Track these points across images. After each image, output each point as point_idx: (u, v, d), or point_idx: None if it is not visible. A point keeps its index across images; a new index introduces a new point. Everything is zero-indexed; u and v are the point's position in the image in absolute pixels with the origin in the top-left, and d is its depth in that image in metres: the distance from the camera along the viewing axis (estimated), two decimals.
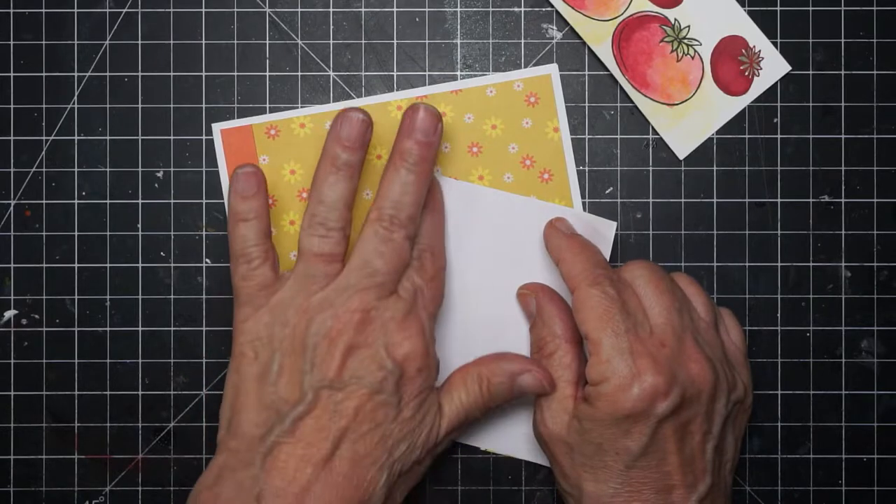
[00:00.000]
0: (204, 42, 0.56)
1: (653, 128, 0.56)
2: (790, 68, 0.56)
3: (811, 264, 0.56)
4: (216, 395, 0.56)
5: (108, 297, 0.56)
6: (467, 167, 0.56)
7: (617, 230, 0.55)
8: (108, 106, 0.56)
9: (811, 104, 0.56)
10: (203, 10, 0.56)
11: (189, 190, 0.56)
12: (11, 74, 0.56)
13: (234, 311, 0.51)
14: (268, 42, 0.56)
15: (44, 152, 0.56)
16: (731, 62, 0.56)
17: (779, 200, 0.56)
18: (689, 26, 0.56)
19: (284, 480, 0.47)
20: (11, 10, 0.56)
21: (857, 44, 0.56)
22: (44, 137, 0.56)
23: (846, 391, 0.56)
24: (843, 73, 0.56)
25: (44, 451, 0.56)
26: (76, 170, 0.56)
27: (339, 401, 0.48)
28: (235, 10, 0.56)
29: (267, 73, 0.56)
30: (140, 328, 0.56)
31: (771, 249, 0.56)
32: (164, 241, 0.56)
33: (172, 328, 0.56)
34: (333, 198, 0.50)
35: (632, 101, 0.56)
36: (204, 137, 0.56)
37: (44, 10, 0.56)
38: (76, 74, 0.56)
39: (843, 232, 0.56)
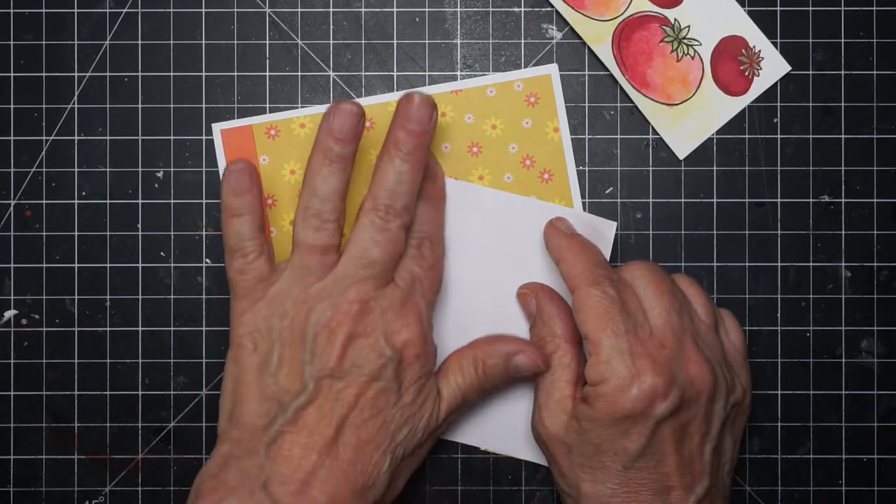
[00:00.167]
0: (204, 42, 0.56)
1: (653, 128, 0.56)
2: (790, 68, 0.56)
3: (811, 264, 0.56)
4: (216, 395, 0.56)
5: (108, 297, 0.56)
6: (467, 167, 0.56)
7: (617, 230, 0.55)
8: (108, 106, 0.56)
9: (811, 104, 0.56)
10: (203, 10, 0.56)
11: (189, 190, 0.56)
12: (11, 74, 0.56)
13: (230, 304, 0.51)
14: (268, 42, 0.56)
15: (44, 152, 0.56)
16: (731, 62, 0.56)
17: (779, 200, 0.56)
18: (689, 26, 0.56)
19: (290, 468, 0.48)
20: (11, 10, 0.56)
21: (857, 44, 0.56)
22: (44, 137, 0.56)
23: (846, 391, 0.56)
24: (843, 73, 0.56)
25: (44, 451, 0.56)
26: (76, 170, 0.56)
27: (340, 389, 0.48)
28: (235, 10, 0.56)
29: (267, 73, 0.56)
30: (140, 328, 0.56)
31: (771, 249, 0.56)
32: (164, 241, 0.56)
33: (172, 328, 0.56)
34: (327, 190, 0.50)
35: (632, 101, 0.56)
36: (204, 137, 0.56)
37: (44, 10, 0.56)
38: (76, 74, 0.56)
39: (843, 232, 0.56)
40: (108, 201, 0.56)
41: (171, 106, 0.56)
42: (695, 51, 0.56)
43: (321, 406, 0.48)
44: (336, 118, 0.50)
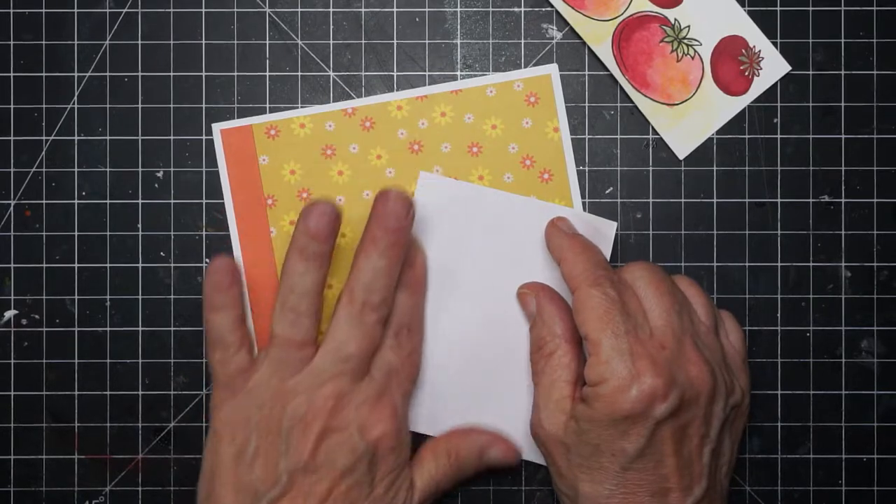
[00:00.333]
0: (204, 42, 0.56)
1: (653, 128, 0.56)
2: (790, 68, 0.56)
3: (811, 264, 0.56)
4: None
5: (108, 297, 0.56)
6: (467, 167, 0.56)
7: (617, 230, 0.55)
8: (108, 106, 0.56)
9: (811, 104, 0.56)
10: (203, 10, 0.56)
11: (189, 190, 0.56)
12: (11, 74, 0.56)
13: (211, 393, 0.52)
14: (268, 42, 0.56)
15: (44, 152, 0.56)
16: (731, 62, 0.56)
17: (779, 200, 0.56)
18: (689, 26, 0.56)
19: None
20: (11, 10, 0.56)
21: (857, 44, 0.56)
22: (44, 137, 0.56)
23: (846, 391, 0.56)
24: (843, 73, 0.56)
25: (44, 451, 0.56)
26: (76, 170, 0.56)
27: (313, 483, 0.49)
28: (235, 10, 0.56)
29: (267, 73, 0.56)
30: (140, 328, 0.56)
31: (771, 249, 0.56)
32: (164, 241, 0.56)
33: (172, 328, 0.56)
34: (304, 287, 0.50)
35: (632, 101, 0.56)
36: (204, 137, 0.56)
37: (44, 10, 0.56)
38: (76, 74, 0.56)
39: (843, 232, 0.56)
40: (108, 201, 0.56)
41: (171, 106, 0.56)
42: (695, 51, 0.56)
43: (294, 499, 0.49)
44: (312, 218, 0.50)
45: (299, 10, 0.56)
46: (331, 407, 0.50)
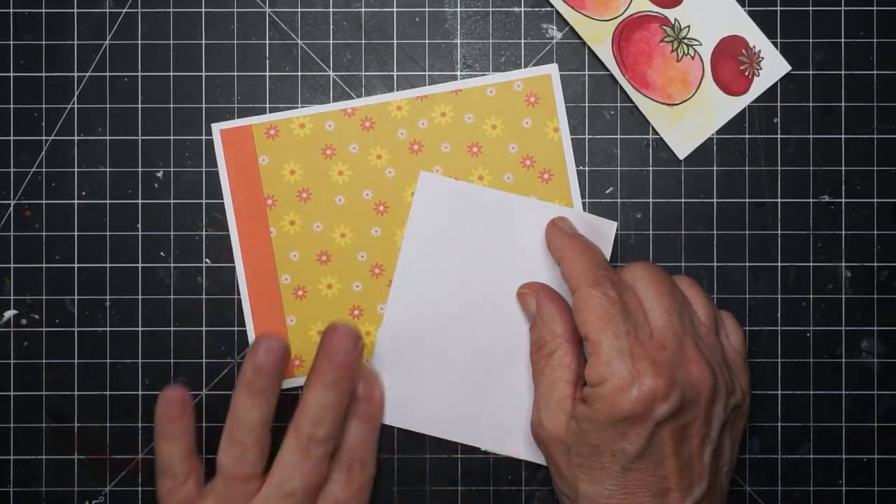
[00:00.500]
0: (204, 42, 0.56)
1: (653, 128, 0.56)
2: (790, 68, 0.56)
3: (811, 264, 0.56)
4: (216, 396, 0.56)
5: (107, 297, 0.56)
6: (467, 167, 0.56)
7: (617, 230, 0.55)
8: (108, 106, 0.56)
9: (811, 104, 0.56)
10: (203, 10, 0.56)
11: (189, 190, 0.56)
12: (11, 74, 0.56)
13: None
14: (268, 42, 0.56)
15: (44, 152, 0.56)
16: (732, 62, 0.56)
17: (779, 200, 0.56)
18: (689, 26, 0.56)
19: None
20: (11, 10, 0.56)
21: (857, 44, 0.56)
22: (44, 137, 0.56)
23: (846, 391, 0.56)
24: (843, 73, 0.56)
25: (44, 451, 0.56)
26: (76, 170, 0.56)
27: None
28: (235, 10, 0.56)
29: (267, 73, 0.56)
30: (140, 328, 0.56)
31: (771, 249, 0.56)
32: (164, 241, 0.56)
33: (172, 328, 0.56)
34: (250, 422, 0.50)
35: (632, 101, 0.56)
36: (204, 137, 0.56)
37: (44, 10, 0.56)
38: (76, 74, 0.56)
39: (843, 232, 0.56)
40: (108, 201, 0.56)
41: (171, 106, 0.56)
42: (695, 51, 0.56)
43: None
44: (259, 354, 0.50)
45: (299, 10, 0.56)
46: None
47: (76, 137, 0.56)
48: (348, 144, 0.56)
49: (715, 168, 0.56)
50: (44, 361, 0.56)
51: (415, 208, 0.55)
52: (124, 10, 0.56)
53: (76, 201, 0.56)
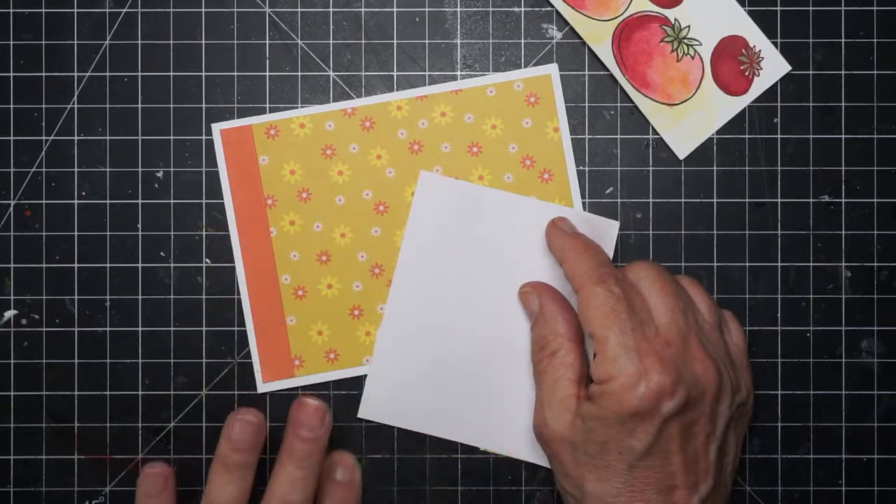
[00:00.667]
0: (204, 42, 0.56)
1: (653, 128, 0.56)
2: (790, 68, 0.56)
3: (811, 264, 0.56)
4: (216, 395, 0.56)
5: (108, 297, 0.56)
6: (467, 167, 0.56)
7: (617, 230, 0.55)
8: (108, 106, 0.56)
9: (811, 104, 0.56)
10: (203, 10, 0.56)
11: (189, 190, 0.56)
12: (11, 74, 0.56)
13: None
14: (268, 42, 0.56)
15: (44, 152, 0.56)
16: (732, 62, 0.56)
17: (779, 200, 0.56)
18: (689, 26, 0.56)
19: None
20: (11, 10, 0.56)
21: (857, 44, 0.56)
22: (44, 137, 0.56)
23: (846, 391, 0.56)
24: (843, 73, 0.56)
25: (44, 451, 0.56)
26: (76, 170, 0.56)
27: None
28: (235, 10, 0.56)
29: (267, 73, 0.56)
30: (140, 328, 0.56)
31: (771, 249, 0.56)
32: (164, 241, 0.56)
33: (172, 328, 0.56)
34: (223, 499, 0.50)
35: (632, 101, 0.56)
36: (204, 137, 0.56)
37: (44, 10, 0.56)
38: (76, 74, 0.56)
39: (843, 232, 0.56)
40: (108, 201, 0.56)
41: (171, 106, 0.56)
42: (695, 51, 0.56)
43: None
44: (235, 428, 0.51)
45: (299, 10, 0.56)
46: None
47: (76, 137, 0.56)
48: (348, 144, 0.56)
49: (715, 168, 0.56)
50: (44, 361, 0.56)
51: (415, 208, 0.55)
52: (124, 10, 0.56)
53: (76, 201, 0.56)
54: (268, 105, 0.56)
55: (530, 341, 0.54)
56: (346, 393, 0.56)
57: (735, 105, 0.56)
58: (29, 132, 0.56)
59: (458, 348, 0.55)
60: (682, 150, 0.56)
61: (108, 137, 0.56)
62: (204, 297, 0.56)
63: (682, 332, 0.49)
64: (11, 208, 0.56)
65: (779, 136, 0.56)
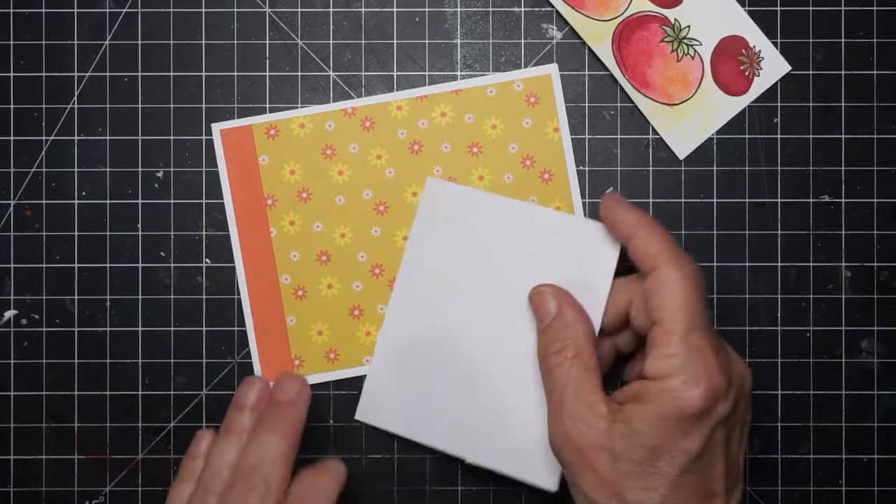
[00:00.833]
0: (204, 42, 0.56)
1: (653, 128, 0.56)
2: (790, 68, 0.56)
3: (811, 264, 0.56)
4: (216, 395, 0.56)
5: (108, 297, 0.56)
6: (467, 167, 0.56)
7: None
8: (108, 106, 0.56)
9: (811, 104, 0.56)
10: (203, 10, 0.56)
11: (189, 190, 0.56)
12: (11, 74, 0.56)
13: None
14: (268, 42, 0.56)
15: (44, 152, 0.56)
16: (732, 62, 0.56)
17: (779, 200, 0.56)
18: (689, 26, 0.56)
19: None
20: (11, 10, 0.56)
21: (857, 44, 0.56)
22: (44, 137, 0.56)
23: (846, 391, 0.56)
24: (843, 73, 0.56)
25: (44, 451, 0.56)
26: (76, 170, 0.56)
27: None
28: (235, 10, 0.56)
29: (267, 73, 0.56)
30: (140, 328, 0.56)
31: (771, 249, 0.56)
32: (164, 241, 0.56)
33: (172, 328, 0.56)
34: (225, 461, 0.49)
35: (632, 101, 0.56)
36: (204, 137, 0.56)
37: (44, 10, 0.56)
38: (76, 74, 0.56)
39: (843, 232, 0.56)
40: (108, 201, 0.56)
41: (171, 106, 0.56)
42: (695, 51, 0.56)
43: None
44: (239, 391, 0.50)
45: (299, 10, 0.56)
46: None
47: (76, 137, 0.56)
48: (348, 144, 0.56)
49: (715, 168, 0.56)
50: (44, 361, 0.56)
51: (420, 214, 0.55)
52: (124, 10, 0.56)
53: (76, 201, 0.56)
54: (268, 105, 0.56)
55: (539, 345, 0.51)
56: (346, 393, 0.56)
57: (735, 105, 0.56)
58: (29, 132, 0.56)
59: (464, 354, 0.54)
60: (682, 150, 0.56)
61: (108, 137, 0.56)
62: (204, 297, 0.56)
63: (715, 331, 0.47)
64: (11, 208, 0.56)
65: (779, 136, 0.56)
